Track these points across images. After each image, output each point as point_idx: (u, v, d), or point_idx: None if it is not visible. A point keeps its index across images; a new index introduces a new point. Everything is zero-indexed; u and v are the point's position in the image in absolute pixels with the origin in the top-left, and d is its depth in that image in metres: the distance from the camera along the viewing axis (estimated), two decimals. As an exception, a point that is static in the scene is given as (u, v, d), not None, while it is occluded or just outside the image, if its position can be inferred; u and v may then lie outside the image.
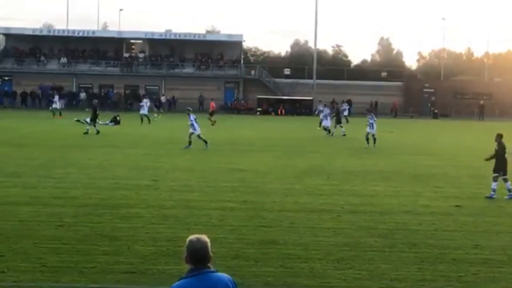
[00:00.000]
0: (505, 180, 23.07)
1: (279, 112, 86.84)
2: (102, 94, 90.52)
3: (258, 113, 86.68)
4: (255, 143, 42.20)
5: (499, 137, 23.76)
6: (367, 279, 13.20)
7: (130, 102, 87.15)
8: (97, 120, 46.64)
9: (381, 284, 12.92)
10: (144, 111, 59.49)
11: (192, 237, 6.62)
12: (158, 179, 25.45)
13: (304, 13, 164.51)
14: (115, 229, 16.84)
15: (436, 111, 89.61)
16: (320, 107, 60.74)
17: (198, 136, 37.58)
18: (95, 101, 51.41)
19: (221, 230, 16.61)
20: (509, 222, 18.94)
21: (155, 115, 67.20)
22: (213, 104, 68.46)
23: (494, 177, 23.05)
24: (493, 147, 24.28)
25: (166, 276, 13.02)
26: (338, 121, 51.52)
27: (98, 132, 45.23)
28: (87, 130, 45.40)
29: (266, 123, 66.87)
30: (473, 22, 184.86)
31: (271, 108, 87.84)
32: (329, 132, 50.23)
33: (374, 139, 40.72)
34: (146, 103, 66.98)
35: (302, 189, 23.82)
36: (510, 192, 22.82)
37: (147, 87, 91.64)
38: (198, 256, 6.49)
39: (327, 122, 50.92)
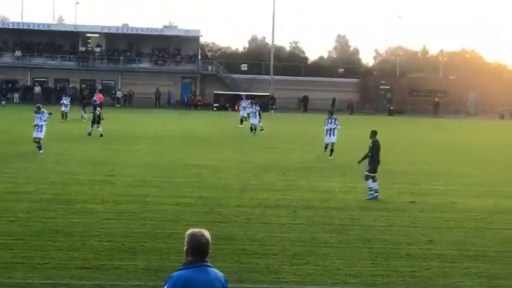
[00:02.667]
0: (374, 180, 21.76)
1: (236, 108, 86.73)
2: (58, 88, 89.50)
3: (215, 108, 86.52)
4: (212, 139, 42.14)
5: (374, 134, 22.46)
6: (321, 275, 13.28)
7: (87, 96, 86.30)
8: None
9: (336, 280, 13.02)
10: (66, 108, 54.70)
11: (195, 231, 6.73)
12: (113, 174, 25.30)
13: (262, 9, 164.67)
14: (70, 224, 16.70)
15: (391, 108, 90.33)
16: (244, 103, 55.17)
17: (39, 139, 31.29)
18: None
19: (176, 226, 16.56)
20: (461, 218, 19.19)
21: (84, 115, 56.38)
22: (100, 96, 61.86)
23: (373, 178, 21.78)
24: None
25: (121, 272, 12.97)
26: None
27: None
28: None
29: (223, 119, 66.78)
30: (428, 20, 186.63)
31: (228, 103, 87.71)
32: (255, 130, 46.50)
33: (332, 150, 32.83)
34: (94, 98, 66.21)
35: (258, 185, 23.86)
36: (371, 191, 21.70)
37: (104, 81, 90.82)
38: (200, 250, 6.66)
39: (255, 120, 46.96)
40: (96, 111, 41.72)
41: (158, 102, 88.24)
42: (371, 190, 21.76)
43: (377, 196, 21.68)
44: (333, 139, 33.03)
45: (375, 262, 14.27)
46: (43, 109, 32.30)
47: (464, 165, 32.36)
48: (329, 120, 33.51)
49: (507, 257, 15.03)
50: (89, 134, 41.03)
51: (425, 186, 24.83)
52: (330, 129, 33.18)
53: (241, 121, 53.58)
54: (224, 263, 13.38)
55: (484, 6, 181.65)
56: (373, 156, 22.05)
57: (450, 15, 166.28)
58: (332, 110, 37.80)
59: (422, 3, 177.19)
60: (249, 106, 49.37)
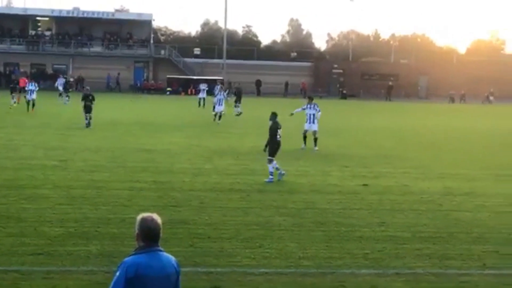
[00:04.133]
0: (269, 162, 21.73)
1: (189, 92, 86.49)
2: (7, 72, 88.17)
3: (168, 93, 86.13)
4: (165, 123, 41.94)
5: (274, 116, 22.38)
6: (276, 258, 13.33)
7: (38, 81, 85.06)
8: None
9: (290, 262, 13.07)
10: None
11: (146, 215, 6.67)
12: (66, 159, 25.03)
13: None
14: (21, 210, 16.48)
15: (344, 91, 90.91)
16: (216, 90, 49.54)
17: None
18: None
19: (130, 210, 16.43)
20: (412, 200, 19.41)
21: (12, 102, 52.27)
22: (24, 80, 58.18)
23: (269, 160, 21.78)
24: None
25: (74, 257, 12.85)
26: (238, 100, 50.82)
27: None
28: None
29: (176, 103, 66.50)
30: (380, 4, 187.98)
31: (181, 88, 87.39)
32: (220, 117, 44.05)
33: (316, 139, 30.32)
34: (60, 83, 64.58)
35: (212, 169, 23.83)
36: (271, 176, 21.55)
37: (55, 66, 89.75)
38: (151, 235, 6.61)
39: (221, 108, 44.44)
40: (83, 101, 37.86)
41: (119, 86, 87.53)
42: (272, 175, 21.68)
43: (271, 179, 21.57)
44: (314, 126, 30.45)
45: (329, 244, 14.37)
46: None
47: (416, 148, 32.72)
48: (309, 106, 31.09)
49: (457, 238, 15.26)
50: (87, 126, 37.04)
51: (378, 169, 25.05)
52: (310, 116, 30.59)
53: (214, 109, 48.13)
54: (178, 248, 13.35)
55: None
56: (272, 138, 22.03)
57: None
58: (311, 95, 35.31)
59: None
60: (222, 93, 46.21)
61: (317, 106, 31.10)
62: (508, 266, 13.41)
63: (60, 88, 64.51)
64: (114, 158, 25.98)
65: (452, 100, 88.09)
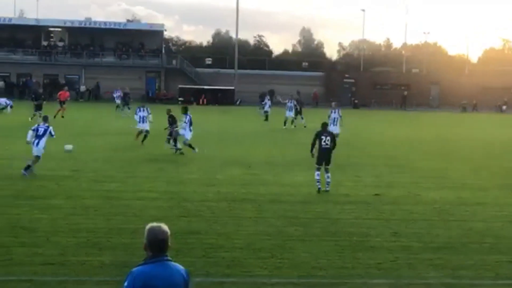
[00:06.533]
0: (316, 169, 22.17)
1: (200, 102, 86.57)
2: (21, 83, 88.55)
3: (179, 102, 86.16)
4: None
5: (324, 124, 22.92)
6: (288, 268, 13.31)
7: (50, 91, 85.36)
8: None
9: (302, 273, 13.04)
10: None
11: (153, 225, 6.72)
12: (77, 169, 25.10)
13: (226, 2, 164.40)
14: (33, 220, 16.53)
15: (356, 101, 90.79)
16: (290, 103, 50.72)
17: None
18: None
19: (141, 221, 16.41)
20: (425, 210, 19.35)
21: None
22: (65, 93, 54.63)
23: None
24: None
25: (87, 267, 12.88)
26: (299, 112, 50.56)
27: None
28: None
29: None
30: (391, 14, 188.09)
31: (192, 97, 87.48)
32: (285, 123, 48.55)
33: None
34: (117, 95, 63.34)
35: (224, 179, 23.84)
36: (317, 183, 21.97)
37: (67, 76, 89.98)
38: (159, 245, 6.64)
39: (290, 114, 49.39)
40: (173, 128, 33.19)
41: (147, 95, 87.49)
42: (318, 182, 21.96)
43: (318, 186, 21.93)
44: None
45: (341, 254, 14.33)
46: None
47: (428, 157, 32.62)
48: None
49: (470, 248, 15.21)
50: (179, 150, 31.41)
51: (389, 179, 24.99)
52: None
53: (285, 123, 49.56)
54: (190, 258, 13.37)
55: None
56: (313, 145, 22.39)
57: (413, 8, 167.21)
58: (185, 106, 32.99)
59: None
60: (292, 101, 50.53)
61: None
62: (521, 276, 13.33)
63: (118, 101, 63.06)
64: (125, 168, 26.03)
65: (464, 109, 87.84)
